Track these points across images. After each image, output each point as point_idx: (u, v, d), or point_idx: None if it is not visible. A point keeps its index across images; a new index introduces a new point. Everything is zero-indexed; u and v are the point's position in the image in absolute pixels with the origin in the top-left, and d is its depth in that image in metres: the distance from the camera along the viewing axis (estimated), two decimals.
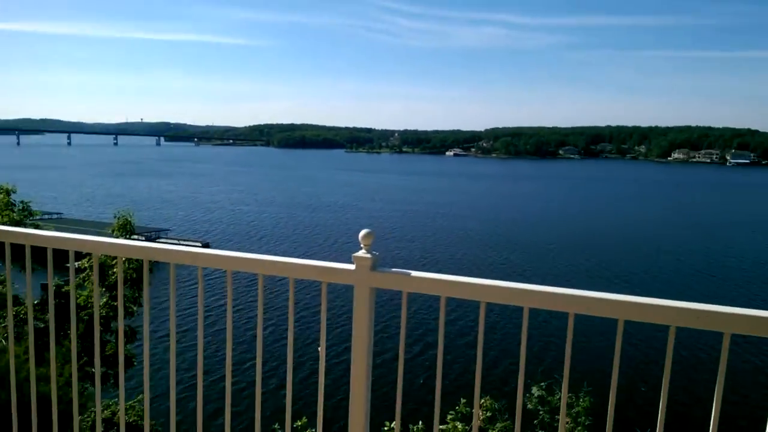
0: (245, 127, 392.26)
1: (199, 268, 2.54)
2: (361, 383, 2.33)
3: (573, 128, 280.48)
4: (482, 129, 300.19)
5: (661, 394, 1.99)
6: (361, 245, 2.23)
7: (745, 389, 17.17)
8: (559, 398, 6.22)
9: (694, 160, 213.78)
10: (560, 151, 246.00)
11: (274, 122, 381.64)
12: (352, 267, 2.26)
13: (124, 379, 2.83)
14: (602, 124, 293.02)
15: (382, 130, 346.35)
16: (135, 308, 11.46)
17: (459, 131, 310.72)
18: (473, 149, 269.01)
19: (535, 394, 6.43)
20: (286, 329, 2.62)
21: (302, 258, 2.42)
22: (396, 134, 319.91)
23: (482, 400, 5.80)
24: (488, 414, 5.72)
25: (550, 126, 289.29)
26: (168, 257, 2.60)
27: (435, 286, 2.18)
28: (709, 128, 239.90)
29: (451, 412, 6.09)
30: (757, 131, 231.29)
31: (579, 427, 5.94)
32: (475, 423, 2.45)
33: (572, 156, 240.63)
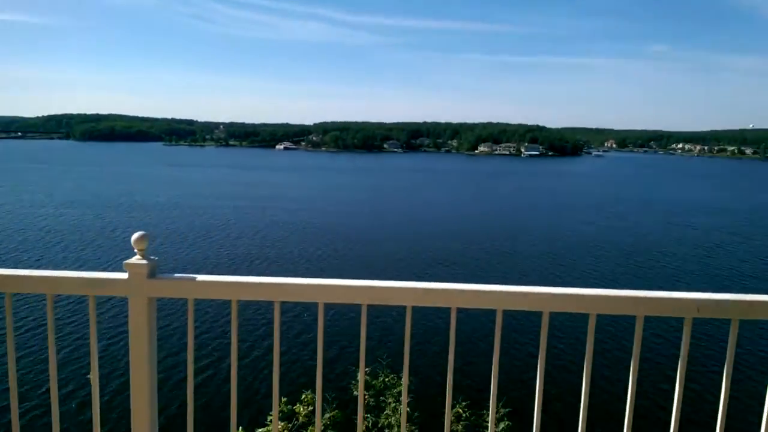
0: (37, 117, 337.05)
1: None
2: (143, 404, 2.07)
3: (396, 123, 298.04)
4: (311, 123, 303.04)
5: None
6: (135, 250, 1.98)
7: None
8: (383, 381, 6.47)
9: (496, 152, 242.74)
10: (385, 145, 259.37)
11: (75, 112, 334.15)
12: (124, 276, 1.99)
13: None
14: (421, 120, 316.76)
15: (205, 122, 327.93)
16: None
17: (288, 125, 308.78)
18: (303, 143, 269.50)
19: (361, 380, 6.39)
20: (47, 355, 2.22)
21: (68, 269, 2.05)
22: (221, 127, 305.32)
23: (304, 395, 5.73)
24: (308, 408, 5.65)
25: (376, 121, 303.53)
26: None
27: (225, 289, 2.01)
28: (507, 124, 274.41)
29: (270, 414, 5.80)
30: (544, 127, 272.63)
31: (400, 405, 6.24)
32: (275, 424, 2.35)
33: (396, 150, 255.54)
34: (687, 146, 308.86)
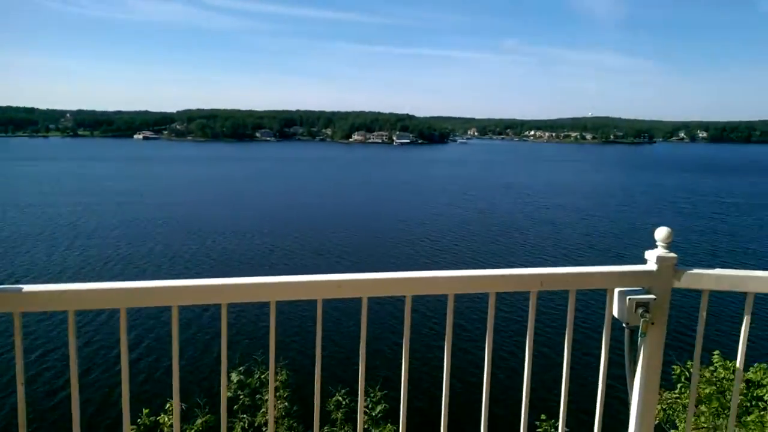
0: None
1: None
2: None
3: (268, 111, 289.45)
4: (174, 111, 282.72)
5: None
6: None
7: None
8: (259, 378, 6.38)
9: (370, 140, 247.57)
10: (257, 134, 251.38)
11: None
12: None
13: None
14: (294, 108, 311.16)
15: (48, 110, 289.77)
16: None
17: (148, 112, 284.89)
18: (166, 132, 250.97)
19: (234, 380, 6.37)
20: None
21: None
22: (68, 115, 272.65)
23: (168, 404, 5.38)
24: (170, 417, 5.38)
25: (246, 109, 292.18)
26: None
27: (58, 300, 1.84)
28: (379, 113, 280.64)
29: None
30: (414, 116, 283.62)
31: (281, 400, 6.26)
32: None
33: (269, 138, 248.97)
34: (538, 133, 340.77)
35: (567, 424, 2.47)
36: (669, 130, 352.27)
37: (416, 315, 19.57)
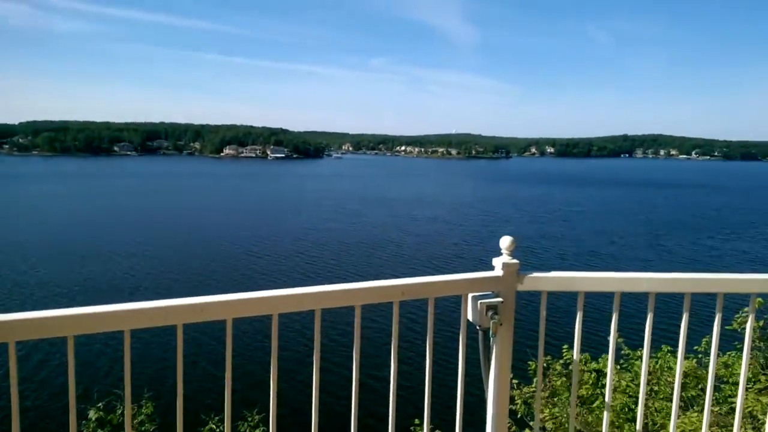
0: None
1: None
2: None
3: (127, 124, 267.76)
4: (17, 122, 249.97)
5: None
6: None
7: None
8: (122, 412, 5.88)
9: (243, 155, 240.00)
10: (115, 147, 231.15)
11: None
12: None
13: None
14: (158, 120, 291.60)
15: None
16: None
17: None
18: (6, 146, 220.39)
19: (93, 418, 5.89)
20: None
21: None
22: None
23: None
24: None
25: (102, 121, 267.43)
26: None
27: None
28: (252, 127, 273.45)
29: None
30: (288, 130, 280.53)
31: None
32: None
33: (129, 152, 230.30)
34: (408, 148, 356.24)
35: (432, 422, 2.64)
36: (523, 146, 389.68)
37: (286, 332, 19.27)
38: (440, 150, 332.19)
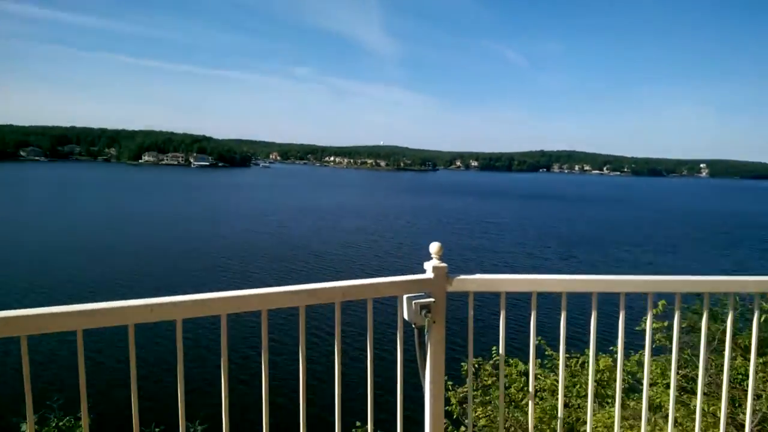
0: None
1: None
2: None
3: (35, 127, 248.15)
4: None
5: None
6: None
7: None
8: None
9: (164, 162, 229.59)
10: (22, 152, 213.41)
11: None
12: None
13: None
14: (67, 124, 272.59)
15: None
16: None
17: None
18: None
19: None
20: None
21: None
22: None
23: None
24: None
25: (5, 123, 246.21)
26: None
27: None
28: (173, 133, 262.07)
29: None
30: (212, 138, 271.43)
31: None
32: None
33: (37, 158, 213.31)
34: (337, 159, 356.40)
35: (376, 417, 2.84)
36: (448, 159, 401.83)
37: (231, 333, 18.95)
38: (369, 161, 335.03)
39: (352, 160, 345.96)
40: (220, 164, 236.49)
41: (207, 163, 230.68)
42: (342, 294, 2.52)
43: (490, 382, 6.89)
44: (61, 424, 5.50)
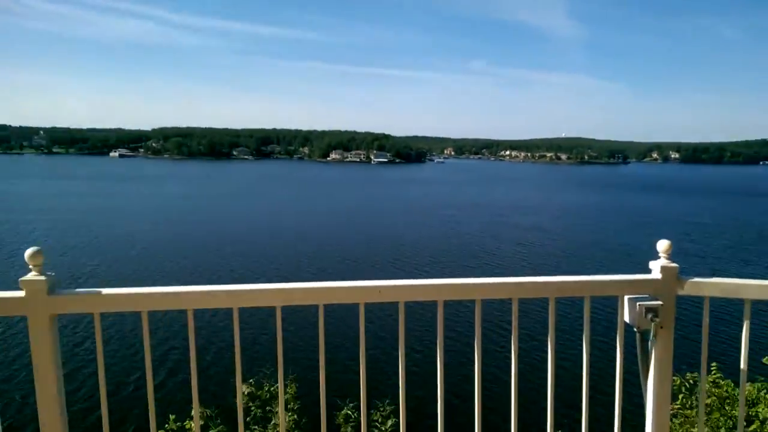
0: None
1: None
2: (54, 422, 2.01)
3: (244, 130, 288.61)
4: (150, 128, 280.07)
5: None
6: (30, 266, 1.90)
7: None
8: (269, 390, 6.47)
9: (347, 159, 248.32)
10: (234, 152, 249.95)
11: None
12: (21, 294, 1.89)
13: None
14: (270, 126, 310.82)
15: (20, 127, 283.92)
16: None
17: (122, 130, 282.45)
18: (142, 150, 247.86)
19: (246, 392, 6.40)
20: None
21: None
22: (41, 132, 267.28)
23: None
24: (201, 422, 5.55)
25: (222, 127, 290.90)
26: None
27: (134, 301, 2.00)
28: (356, 132, 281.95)
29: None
30: (390, 135, 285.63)
31: (290, 413, 6.25)
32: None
33: (246, 157, 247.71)
34: (513, 153, 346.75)
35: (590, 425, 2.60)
36: (642, 151, 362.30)
37: (443, 322, 20.00)
38: (548, 155, 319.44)
39: (529, 154, 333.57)
40: (397, 160, 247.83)
41: (385, 160, 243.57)
42: (557, 290, 2.37)
43: (709, 401, 5.84)
44: (272, 389, 6.45)
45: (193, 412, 2.33)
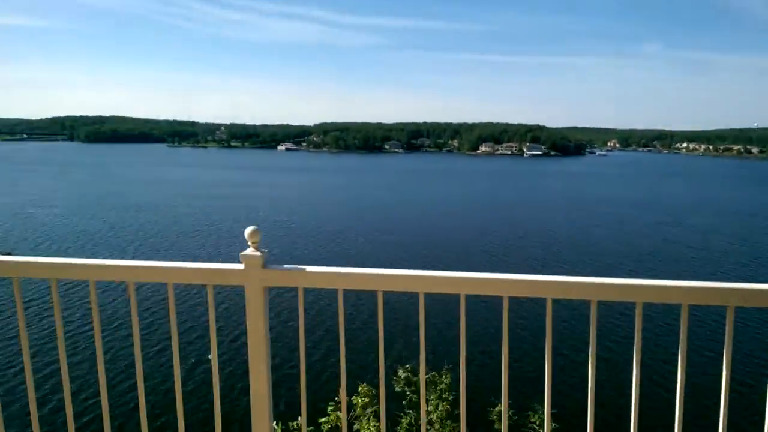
0: (42, 119, 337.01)
1: (53, 280, 2.27)
2: (263, 385, 2.24)
3: (396, 124, 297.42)
4: (312, 124, 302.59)
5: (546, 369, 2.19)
6: (249, 243, 2.12)
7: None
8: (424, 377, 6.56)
9: (498, 152, 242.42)
10: (386, 146, 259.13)
11: (78, 114, 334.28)
12: (240, 267, 2.14)
13: None
14: (420, 120, 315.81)
15: (206, 123, 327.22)
16: None
17: (289, 126, 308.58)
18: (304, 144, 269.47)
19: (402, 376, 6.66)
20: (168, 340, 2.41)
21: (183, 261, 2.23)
22: (222, 128, 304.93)
23: (361, 387, 5.98)
24: (365, 400, 5.88)
25: (375, 122, 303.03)
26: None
27: (332, 279, 2.16)
28: (508, 124, 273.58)
29: (330, 403, 6.13)
30: (545, 126, 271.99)
31: (444, 403, 6.30)
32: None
33: (397, 150, 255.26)
34: (691, 145, 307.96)
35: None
36: None
37: (557, 320, 19.28)
38: (735, 147, 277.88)
39: (710, 147, 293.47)
40: (552, 153, 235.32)
41: (539, 152, 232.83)
42: (739, 298, 2.03)
43: None
44: (426, 377, 6.51)
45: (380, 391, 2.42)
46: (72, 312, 22.15)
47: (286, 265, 2.18)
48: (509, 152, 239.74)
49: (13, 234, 40.57)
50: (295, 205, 59.27)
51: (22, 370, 12.80)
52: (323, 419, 5.56)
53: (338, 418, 5.94)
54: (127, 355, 17.97)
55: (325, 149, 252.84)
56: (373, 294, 2.17)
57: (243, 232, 2.08)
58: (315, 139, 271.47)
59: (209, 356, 2.40)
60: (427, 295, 2.16)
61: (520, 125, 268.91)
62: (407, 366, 6.66)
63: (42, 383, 15.77)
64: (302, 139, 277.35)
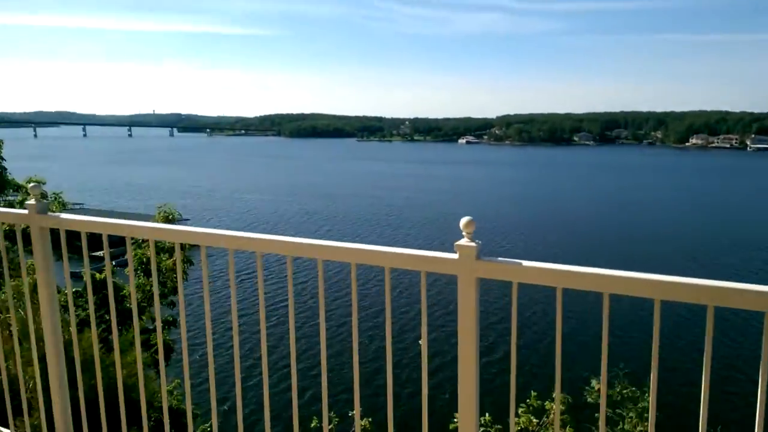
0: (256, 117, 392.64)
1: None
2: (471, 378, 2.25)
3: (587, 114, 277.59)
4: (493, 116, 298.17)
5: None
6: (463, 233, 2.16)
7: None
8: (620, 392, 6.07)
9: (713, 145, 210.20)
10: (575, 138, 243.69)
11: (284, 112, 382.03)
12: (455, 256, 2.18)
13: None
14: (616, 109, 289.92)
15: (392, 118, 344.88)
16: (174, 297, 11.31)
17: (470, 119, 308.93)
18: (485, 137, 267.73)
19: (596, 388, 6.23)
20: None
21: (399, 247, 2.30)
22: (406, 122, 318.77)
23: (555, 393, 5.62)
24: (562, 407, 5.66)
25: (563, 112, 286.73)
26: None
27: (549, 276, 2.06)
28: (727, 112, 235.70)
29: (522, 404, 6.17)
30: None
31: (644, 423, 5.73)
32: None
33: (588, 142, 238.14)
34: None
35: None
36: None
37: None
38: None
39: None
40: None
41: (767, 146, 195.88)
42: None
43: None
44: (625, 392, 6.24)
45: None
46: (279, 287, 25.39)
47: (500, 258, 2.17)
48: (728, 145, 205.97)
49: (229, 214, 48.15)
50: (492, 199, 60.80)
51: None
52: (516, 419, 5.40)
53: (530, 421, 5.93)
54: (342, 332, 19.68)
55: (507, 142, 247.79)
56: (597, 295, 2.01)
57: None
58: (497, 131, 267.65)
59: (420, 341, 2.37)
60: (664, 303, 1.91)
61: (743, 113, 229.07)
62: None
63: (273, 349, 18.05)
64: (483, 132, 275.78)
